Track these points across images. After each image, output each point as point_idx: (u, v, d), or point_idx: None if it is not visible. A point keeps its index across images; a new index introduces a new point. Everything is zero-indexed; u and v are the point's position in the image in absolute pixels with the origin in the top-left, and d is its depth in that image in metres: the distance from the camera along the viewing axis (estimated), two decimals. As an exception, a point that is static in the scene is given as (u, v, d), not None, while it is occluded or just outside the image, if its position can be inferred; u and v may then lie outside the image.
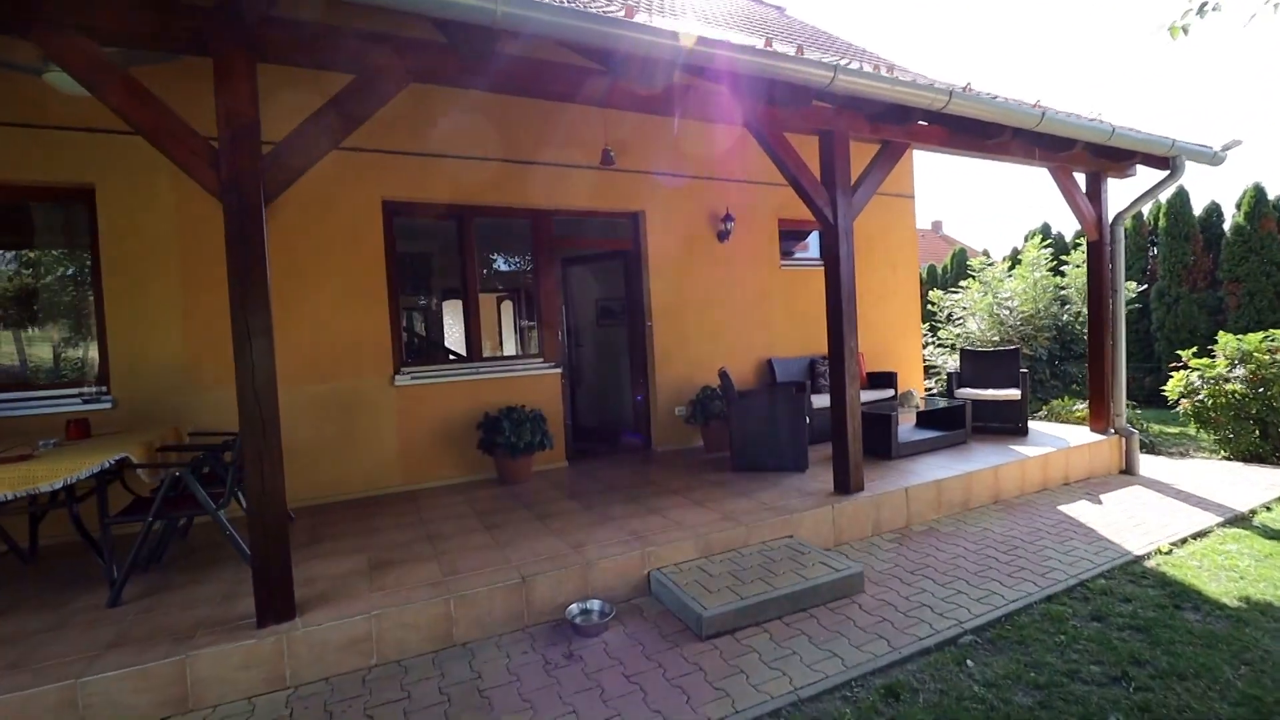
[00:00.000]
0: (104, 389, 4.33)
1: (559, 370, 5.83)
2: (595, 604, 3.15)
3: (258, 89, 2.74)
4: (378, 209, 5.14)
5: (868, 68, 3.79)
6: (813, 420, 6.06)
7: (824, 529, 4.04)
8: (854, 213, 4.32)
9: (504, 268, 7.03)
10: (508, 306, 7.66)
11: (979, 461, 5.07)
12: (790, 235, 7.23)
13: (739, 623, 2.99)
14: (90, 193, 4.32)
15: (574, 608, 3.12)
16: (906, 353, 8.01)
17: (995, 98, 4.24)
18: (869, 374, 7.12)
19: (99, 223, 4.32)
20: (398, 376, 5.13)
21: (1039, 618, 3.05)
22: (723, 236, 6.54)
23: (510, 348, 7.79)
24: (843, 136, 4.28)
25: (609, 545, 3.52)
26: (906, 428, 6.08)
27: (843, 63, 3.64)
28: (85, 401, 4.25)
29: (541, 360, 5.87)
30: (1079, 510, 4.65)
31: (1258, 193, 9.27)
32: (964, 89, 4.18)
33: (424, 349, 6.65)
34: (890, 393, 6.85)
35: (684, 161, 6.34)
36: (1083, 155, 5.56)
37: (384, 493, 5.06)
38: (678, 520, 3.92)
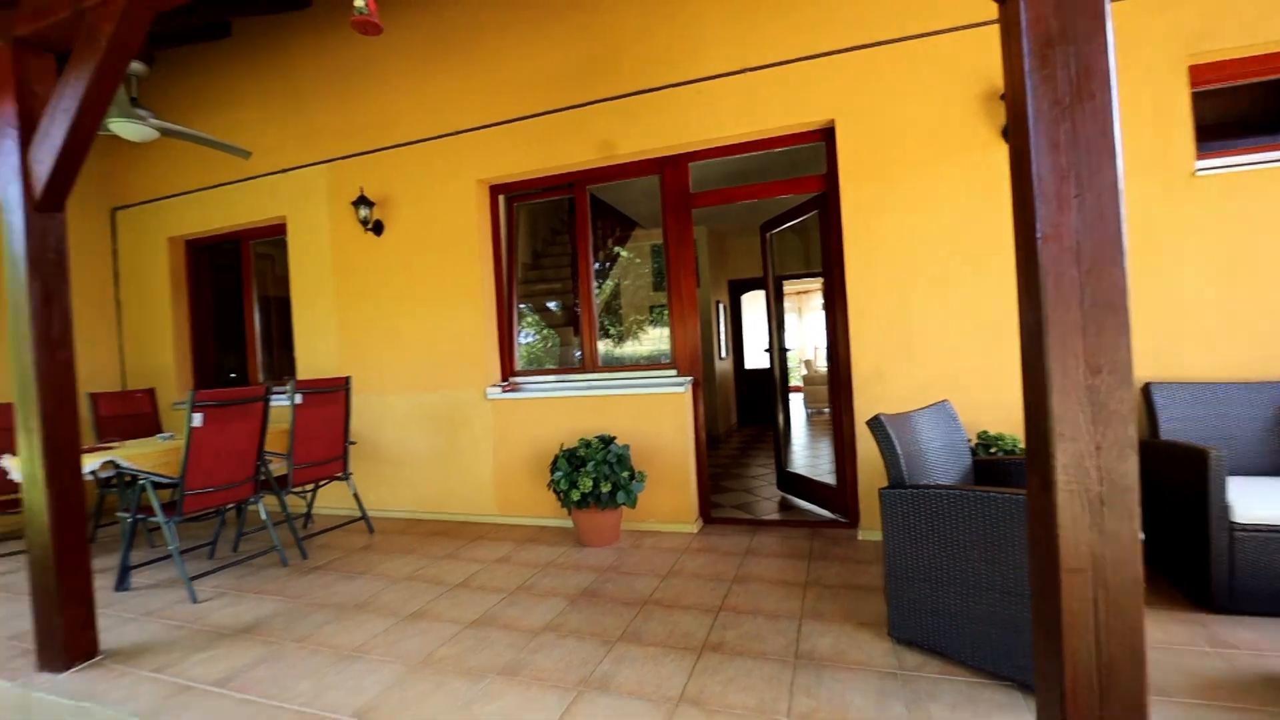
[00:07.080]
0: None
1: (685, 389, 3.97)
2: None
3: None
4: (480, 194, 4.41)
5: None
6: (1236, 561, 2.53)
7: None
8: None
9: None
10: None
11: None
12: (1224, 103, 3.13)
13: None
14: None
15: None
16: None
17: None
18: None
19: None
20: (490, 389, 4.36)
21: None
22: (1013, 138, 3.25)
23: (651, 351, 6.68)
24: None
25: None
26: None
27: None
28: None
29: (674, 373, 4.13)
30: None
31: None
32: None
33: (541, 357, 6.01)
34: None
35: (908, 8, 3.39)
36: None
37: (479, 519, 4.44)
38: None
